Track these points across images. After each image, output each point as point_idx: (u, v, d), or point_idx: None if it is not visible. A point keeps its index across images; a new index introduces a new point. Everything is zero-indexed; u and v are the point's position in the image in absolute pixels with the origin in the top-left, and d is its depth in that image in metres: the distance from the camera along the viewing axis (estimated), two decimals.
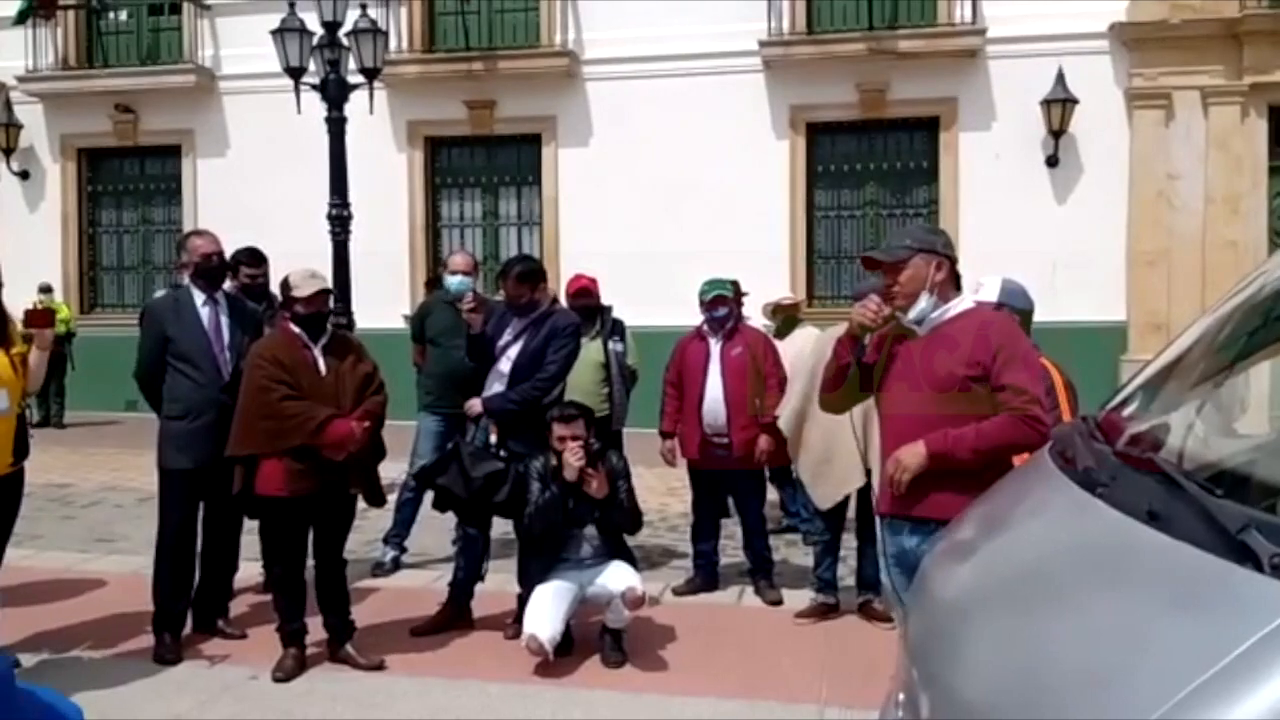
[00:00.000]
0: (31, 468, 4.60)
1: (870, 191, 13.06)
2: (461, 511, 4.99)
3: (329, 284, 4.59)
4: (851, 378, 3.38)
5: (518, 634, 4.75)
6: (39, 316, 4.41)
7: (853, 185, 13.10)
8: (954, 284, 3.30)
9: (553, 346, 4.96)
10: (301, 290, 4.43)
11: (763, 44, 12.56)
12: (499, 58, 13.26)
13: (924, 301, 3.24)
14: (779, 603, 5.55)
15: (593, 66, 13.17)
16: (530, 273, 5.06)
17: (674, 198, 12.67)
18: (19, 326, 4.47)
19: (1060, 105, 12.08)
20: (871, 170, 13.05)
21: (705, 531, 5.84)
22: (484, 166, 14.03)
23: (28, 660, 4.65)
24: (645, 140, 12.84)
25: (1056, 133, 12.18)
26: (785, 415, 5.33)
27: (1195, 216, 12.10)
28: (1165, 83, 12.05)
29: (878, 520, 3.42)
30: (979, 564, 2.08)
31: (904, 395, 3.21)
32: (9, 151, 14.54)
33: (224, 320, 4.92)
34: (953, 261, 3.29)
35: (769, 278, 11.18)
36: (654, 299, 10.37)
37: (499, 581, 5.29)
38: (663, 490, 8.28)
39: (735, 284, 6.04)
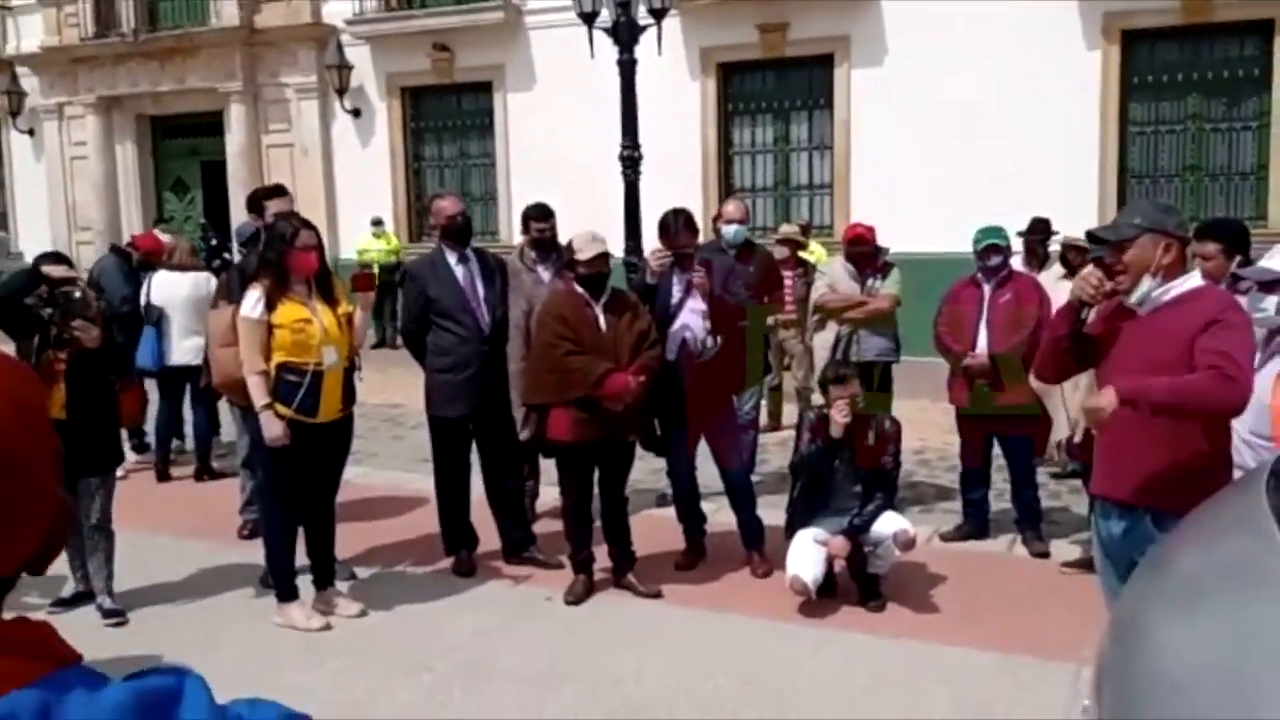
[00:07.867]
0: (367, 388, 5.29)
1: (1193, 103, 11.85)
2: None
3: (607, 246, 4.93)
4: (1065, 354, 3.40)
5: (768, 572, 5.23)
6: (362, 280, 5.01)
7: (1173, 97, 11.93)
8: (1182, 263, 3.19)
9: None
10: (584, 253, 4.83)
11: None
12: None
13: (1146, 284, 3.15)
14: (1045, 555, 5.49)
15: None
16: (691, 219, 5.35)
17: (972, 116, 12.07)
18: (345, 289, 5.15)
19: None
20: (1194, 80, 11.81)
21: (974, 479, 5.84)
22: (775, 91, 13.98)
23: (362, 573, 5.47)
24: (942, 57, 12.27)
25: None
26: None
27: None
28: None
29: (1087, 498, 3.44)
30: (1180, 571, 2.11)
31: (1119, 375, 3.15)
32: (342, 91, 15.91)
33: (478, 277, 5.39)
34: (1183, 242, 3.18)
35: (1075, 201, 10.58)
36: (948, 224, 10.06)
37: (771, 516, 5.48)
38: (947, 427, 7.93)
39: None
